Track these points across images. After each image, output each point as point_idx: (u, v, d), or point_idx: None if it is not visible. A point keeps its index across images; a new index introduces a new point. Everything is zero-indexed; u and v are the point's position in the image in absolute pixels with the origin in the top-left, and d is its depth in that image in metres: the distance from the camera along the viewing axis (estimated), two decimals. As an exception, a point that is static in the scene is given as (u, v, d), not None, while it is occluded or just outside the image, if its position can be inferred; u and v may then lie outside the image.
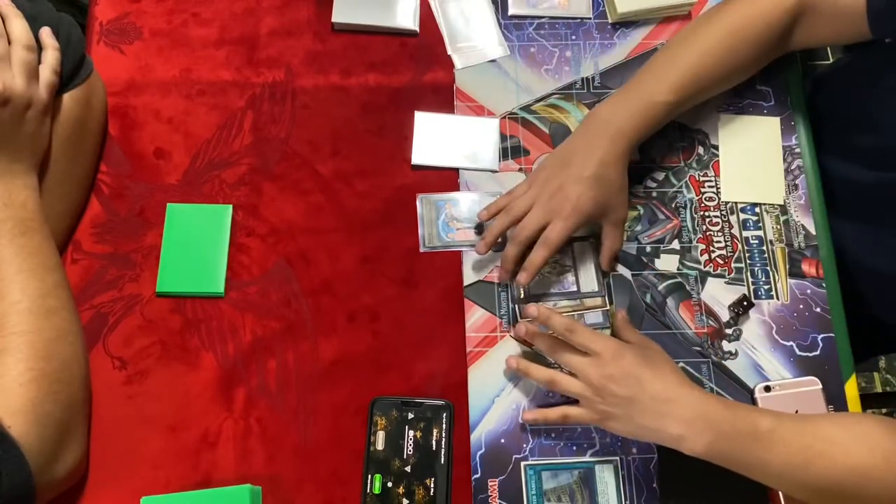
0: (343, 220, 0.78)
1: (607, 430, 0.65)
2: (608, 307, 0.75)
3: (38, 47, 0.68)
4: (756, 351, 0.75)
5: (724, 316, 0.76)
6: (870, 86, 0.78)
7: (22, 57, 0.65)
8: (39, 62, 0.68)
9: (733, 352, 0.75)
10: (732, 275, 0.78)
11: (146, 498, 0.65)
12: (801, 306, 0.76)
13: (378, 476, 0.68)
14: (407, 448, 0.69)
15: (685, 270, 0.78)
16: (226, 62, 0.84)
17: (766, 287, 0.77)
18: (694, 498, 0.69)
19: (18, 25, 0.67)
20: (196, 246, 0.75)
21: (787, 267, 0.78)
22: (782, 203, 0.80)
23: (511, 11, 0.87)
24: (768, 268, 0.78)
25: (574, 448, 0.71)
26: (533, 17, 0.87)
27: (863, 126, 0.79)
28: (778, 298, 0.77)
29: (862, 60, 0.83)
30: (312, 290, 0.75)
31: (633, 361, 0.63)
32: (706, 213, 0.80)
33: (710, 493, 0.68)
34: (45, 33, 0.69)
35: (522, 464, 0.70)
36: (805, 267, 0.78)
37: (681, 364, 0.74)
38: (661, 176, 0.81)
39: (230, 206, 0.77)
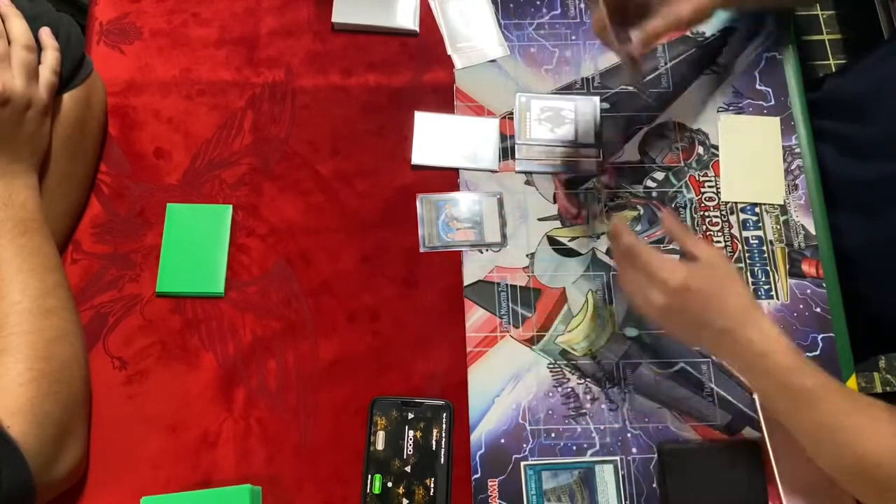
0: (343, 220, 0.78)
1: (665, 328, 0.67)
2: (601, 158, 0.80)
3: (38, 47, 0.68)
4: (756, 351, 0.75)
5: (724, 316, 0.76)
6: (871, 76, 0.78)
7: (22, 57, 0.65)
8: (39, 62, 0.68)
9: (733, 352, 0.75)
10: (732, 275, 0.78)
11: (146, 498, 0.65)
12: (801, 306, 0.76)
13: (378, 476, 0.68)
14: (407, 448, 0.69)
15: (685, 270, 0.78)
16: (226, 62, 0.84)
17: (766, 287, 0.77)
18: (694, 499, 0.69)
19: (18, 25, 0.67)
20: (196, 246, 0.75)
21: (787, 267, 0.78)
22: (782, 203, 0.80)
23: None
24: (768, 268, 0.78)
25: (574, 448, 0.71)
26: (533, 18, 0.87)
27: (864, 119, 0.79)
28: (778, 298, 0.77)
29: (863, 56, 0.84)
30: (312, 290, 0.75)
31: (702, 291, 0.61)
32: (706, 213, 0.80)
33: (711, 494, 0.68)
34: (45, 33, 0.69)
35: (522, 464, 0.70)
36: (805, 267, 0.78)
37: (680, 364, 0.74)
38: (661, 176, 0.82)
39: (230, 206, 0.77)
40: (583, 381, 0.73)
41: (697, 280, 0.62)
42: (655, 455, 0.70)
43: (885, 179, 0.76)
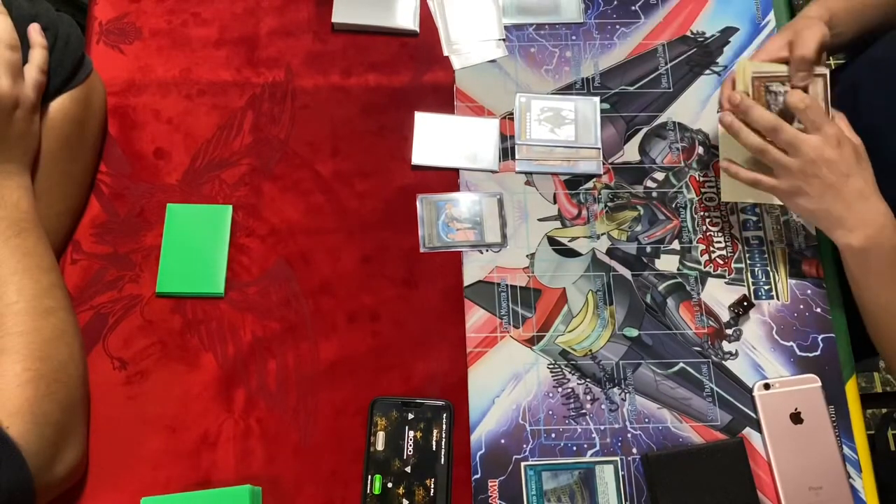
0: (343, 220, 0.78)
1: (789, 204, 0.72)
2: (601, 159, 0.81)
3: (27, 45, 0.67)
4: (756, 351, 0.75)
5: (725, 316, 0.76)
6: (873, 74, 0.78)
7: (6, 57, 0.65)
8: (26, 61, 0.67)
9: (733, 352, 0.75)
10: (732, 275, 0.78)
11: (146, 498, 0.65)
12: (802, 306, 0.76)
13: (378, 476, 0.68)
14: (407, 448, 0.69)
15: (685, 271, 0.78)
16: (226, 62, 0.84)
17: (766, 287, 0.77)
18: (684, 498, 0.69)
19: (1, 24, 0.66)
20: (196, 246, 0.75)
21: (788, 267, 0.78)
22: (782, 203, 0.80)
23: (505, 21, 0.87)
24: (768, 268, 0.78)
25: (574, 448, 0.71)
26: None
27: (863, 118, 0.79)
28: (778, 298, 0.77)
29: (861, 59, 0.83)
30: (312, 291, 0.75)
31: (851, 153, 0.67)
32: (706, 214, 0.80)
33: (701, 496, 0.68)
34: (34, 31, 0.68)
35: (522, 464, 0.70)
36: (805, 267, 0.78)
37: (681, 364, 0.74)
38: (661, 176, 0.81)
39: (230, 207, 0.77)
40: (583, 381, 0.73)
41: (852, 144, 0.68)
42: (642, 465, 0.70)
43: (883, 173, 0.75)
